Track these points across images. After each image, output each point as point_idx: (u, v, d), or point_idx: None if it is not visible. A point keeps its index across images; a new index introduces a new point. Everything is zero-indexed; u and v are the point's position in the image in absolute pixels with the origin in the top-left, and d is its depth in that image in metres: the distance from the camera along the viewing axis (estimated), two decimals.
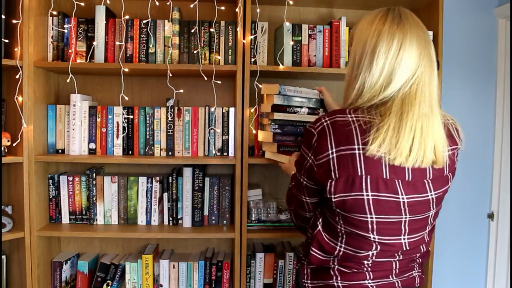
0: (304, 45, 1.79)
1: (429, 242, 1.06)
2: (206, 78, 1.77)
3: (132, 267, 1.79)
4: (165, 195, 1.80)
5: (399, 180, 0.92)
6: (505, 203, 2.09)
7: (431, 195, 0.96)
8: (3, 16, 1.57)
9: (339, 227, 0.98)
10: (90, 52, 1.72)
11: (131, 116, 1.77)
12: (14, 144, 1.62)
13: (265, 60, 1.80)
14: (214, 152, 1.78)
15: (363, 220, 0.94)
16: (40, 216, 1.72)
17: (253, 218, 1.77)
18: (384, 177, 0.91)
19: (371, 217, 0.93)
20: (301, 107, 1.56)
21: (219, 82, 1.75)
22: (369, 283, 0.98)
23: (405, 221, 0.96)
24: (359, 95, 0.97)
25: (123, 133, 1.77)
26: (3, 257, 1.70)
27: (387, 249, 0.97)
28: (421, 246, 1.03)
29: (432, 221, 1.02)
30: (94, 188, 1.77)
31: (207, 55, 1.76)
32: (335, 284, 0.99)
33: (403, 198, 0.93)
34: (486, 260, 2.16)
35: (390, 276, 1.00)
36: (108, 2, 1.73)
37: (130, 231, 1.72)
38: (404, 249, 0.98)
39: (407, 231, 0.97)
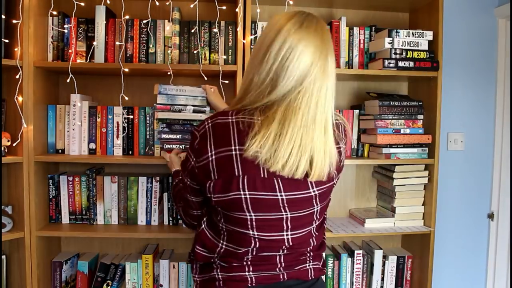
0: None
1: (320, 236, 1.08)
2: (206, 78, 1.76)
3: (132, 267, 1.79)
4: (165, 195, 1.80)
5: (278, 178, 0.93)
6: (505, 203, 2.09)
7: (313, 191, 0.97)
8: (3, 16, 1.57)
9: (220, 225, 1.01)
10: (90, 52, 1.72)
11: (131, 116, 1.77)
12: (14, 144, 1.62)
13: None
14: None
15: (242, 218, 0.96)
16: (40, 216, 1.72)
17: None
18: (262, 176, 0.92)
19: (250, 215, 0.95)
20: (186, 105, 1.61)
21: (227, 81, 1.74)
22: (248, 275, 1.01)
23: (286, 218, 0.97)
24: (246, 93, 0.96)
25: (123, 133, 1.77)
26: (3, 257, 1.70)
27: (268, 245, 0.99)
28: (310, 240, 1.04)
29: (318, 216, 1.03)
30: (94, 188, 1.77)
31: (207, 55, 1.76)
32: (216, 276, 1.03)
33: (281, 196, 0.94)
34: (486, 260, 2.16)
35: (277, 269, 1.02)
36: (108, 2, 1.73)
37: (130, 231, 1.72)
38: (288, 244, 1.00)
39: (289, 227, 0.99)
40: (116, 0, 1.76)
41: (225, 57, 1.76)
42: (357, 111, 1.88)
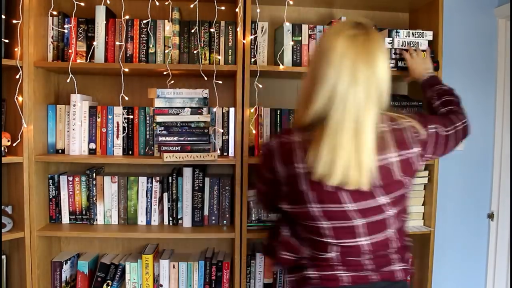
0: (304, 45, 1.79)
1: (401, 238, 1.10)
2: (206, 78, 1.77)
3: (132, 267, 1.79)
4: (165, 195, 1.80)
5: (342, 191, 0.99)
6: (505, 203, 2.09)
7: (384, 199, 1.02)
8: (3, 16, 1.57)
9: (300, 233, 1.09)
10: (90, 52, 1.72)
11: (131, 116, 1.77)
12: (14, 144, 1.62)
13: (265, 60, 1.80)
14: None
15: (318, 227, 1.04)
16: (40, 216, 1.72)
17: (253, 218, 1.77)
18: (326, 189, 0.99)
19: (325, 223, 1.03)
20: (183, 107, 1.64)
21: (220, 82, 1.75)
22: (339, 274, 1.06)
23: (357, 225, 1.03)
24: (304, 115, 1.04)
25: (123, 133, 1.77)
26: (3, 257, 1.70)
27: (349, 250, 1.05)
28: (391, 243, 1.08)
29: (395, 220, 1.06)
30: (94, 188, 1.77)
31: (207, 55, 1.76)
32: (308, 275, 1.07)
33: (350, 207, 1.01)
34: (486, 260, 2.16)
35: (365, 271, 1.06)
36: (108, 2, 1.73)
37: (130, 231, 1.72)
38: (368, 248, 1.05)
39: (365, 233, 1.04)
40: (116, 0, 1.76)
41: (225, 57, 1.76)
42: None
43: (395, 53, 1.72)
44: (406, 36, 1.72)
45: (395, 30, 1.72)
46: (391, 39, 1.71)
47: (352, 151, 0.95)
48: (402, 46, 1.72)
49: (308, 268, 1.08)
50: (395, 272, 1.08)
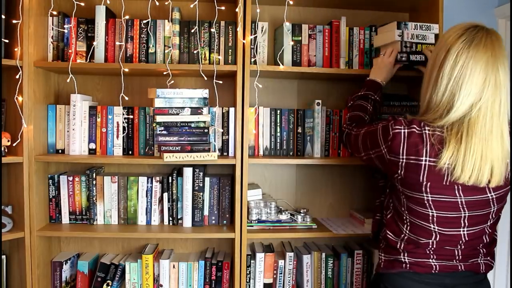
0: (304, 45, 1.79)
1: (492, 233, 1.19)
2: (206, 78, 1.77)
3: (132, 267, 1.79)
4: (165, 195, 1.80)
5: (459, 185, 1.06)
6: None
7: (491, 195, 1.09)
8: (3, 16, 1.57)
9: (405, 216, 1.16)
10: (90, 52, 1.72)
11: (131, 116, 1.77)
12: (14, 144, 1.62)
13: (265, 60, 1.80)
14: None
15: (425, 214, 1.11)
16: (40, 216, 1.72)
17: (253, 218, 1.77)
18: (444, 183, 1.06)
19: (432, 212, 1.10)
20: (183, 107, 1.64)
21: (220, 82, 1.75)
22: (432, 262, 1.15)
23: (464, 216, 1.10)
24: (426, 111, 1.12)
25: (123, 133, 1.77)
26: (3, 257, 1.70)
27: (447, 239, 1.12)
28: (483, 237, 1.16)
29: (493, 216, 1.15)
30: (94, 188, 1.77)
31: (207, 55, 1.76)
32: (402, 259, 1.17)
33: (460, 199, 1.07)
34: None
35: (454, 260, 1.15)
36: (108, 2, 1.73)
37: (130, 231, 1.72)
38: (464, 239, 1.13)
39: (466, 224, 1.11)
40: (116, 0, 1.77)
41: (225, 57, 1.76)
42: None
43: (405, 46, 1.64)
44: (414, 29, 1.67)
45: (403, 23, 1.66)
46: (400, 31, 1.66)
47: (499, 154, 1.04)
48: (411, 39, 1.66)
49: (403, 252, 1.17)
50: (480, 265, 1.18)
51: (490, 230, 1.17)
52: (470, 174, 1.02)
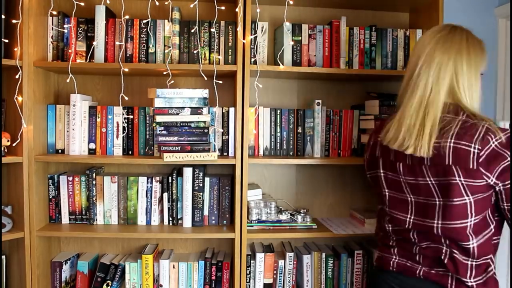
0: (304, 45, 1.79)
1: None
2: (206, 78, 1.77)
3: (132, 267, 1.79)
4: (165, 195, 1.80)
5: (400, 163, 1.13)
6: None
7: (430, 180, 1.09)
8: (3, 16, 1.57)
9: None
10: (90, 52, 1.72)
11: (131, 116, 1.77)
12: (14, 144, 1.62)
13: (265, 60, 1.80)
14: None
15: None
16: (40, 216, 1.72)
17: (253, 218, 1.77)
18: (391, 159, 1.15)
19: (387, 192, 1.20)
20: (183, 107, 1.64)
21: (220, 82, 1.75)
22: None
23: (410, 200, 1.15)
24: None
25: (123, 133, 1.77)
26: (3, 257, 1.70)
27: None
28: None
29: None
30: (94, 188, 1.77)
31: (207, 55, 1.76)
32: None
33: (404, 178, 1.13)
34: None
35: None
36: (108, 2, 1.73)
37: (130, 231, 1.72)
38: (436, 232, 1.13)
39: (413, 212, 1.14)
40: (116, 0, 1.76)
41: (225, 57, 1.76)
42: (357, 111, 1.88)
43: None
44: None
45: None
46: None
47: None
48: None
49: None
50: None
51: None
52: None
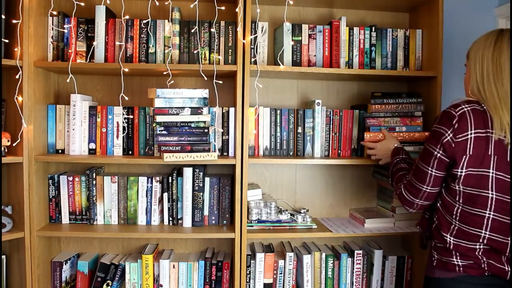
0: (304, 45, 1.79)
1: None
2: (206, 78, 1.77)
3: (132, 267, 1.79)
4: (165, 195, 1.80)
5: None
6: None
7: None
8: (3, 16, 1.57)
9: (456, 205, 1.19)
10: (90, 52, 1.72)
11: (131, 116, 1.77)
12: (14, 144, 1.62)
13: (265, 60, 1.80)
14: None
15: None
16: (40, 216, 1.72)
17: (253, 218, 1.77)
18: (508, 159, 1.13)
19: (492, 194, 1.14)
20: (183, 107, 1.64)
21: (220, 82, 1.75)
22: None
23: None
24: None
25: (123, 133, 1.77)
26: (3, 257, 1.70)
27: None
28: None
29: None
30: (94, 188, 1.77)
31: (207, 55, 1.76)
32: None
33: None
34: None
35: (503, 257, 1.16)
36: (108, 2, 1.73)
37: (130, 231, 1.72)
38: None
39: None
40: (116, 0, 1.77)
41: (225, 57, 1.76)
42: (357, 111, 1.88)
43: None
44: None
45: None
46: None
47: None
48: None
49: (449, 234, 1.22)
50: None
51: None
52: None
